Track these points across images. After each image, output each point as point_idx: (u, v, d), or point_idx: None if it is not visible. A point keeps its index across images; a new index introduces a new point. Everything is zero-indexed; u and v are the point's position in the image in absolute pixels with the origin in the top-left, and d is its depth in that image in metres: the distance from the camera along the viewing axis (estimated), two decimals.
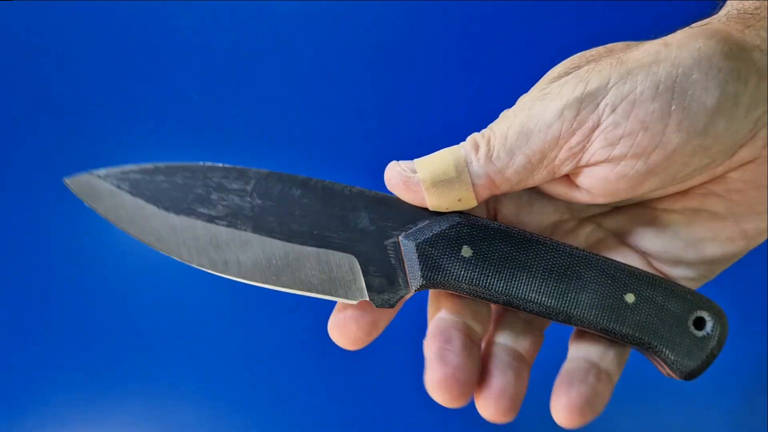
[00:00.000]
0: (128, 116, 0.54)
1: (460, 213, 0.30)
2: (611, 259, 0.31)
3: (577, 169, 0.29)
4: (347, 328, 0.31)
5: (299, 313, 0.51)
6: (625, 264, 0.31)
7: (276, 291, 0.40)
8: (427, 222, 0.31)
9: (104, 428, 0.50)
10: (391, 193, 0.31)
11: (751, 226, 0.31)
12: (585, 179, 0.29)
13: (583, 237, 0.34)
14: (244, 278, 0.30)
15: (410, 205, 0.31)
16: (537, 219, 0.33)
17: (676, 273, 0.32)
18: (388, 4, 0.53)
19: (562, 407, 0.28)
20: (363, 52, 0.54)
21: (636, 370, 0.47)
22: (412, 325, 0.45)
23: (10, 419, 0.51)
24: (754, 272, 0.49)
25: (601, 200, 0.30)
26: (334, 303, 0.45)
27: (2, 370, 0.52)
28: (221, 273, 0.31)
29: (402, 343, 0.49)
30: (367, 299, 0.30)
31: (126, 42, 0.55)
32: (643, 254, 0.33)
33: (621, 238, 0.34)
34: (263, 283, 0.31)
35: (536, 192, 0.33)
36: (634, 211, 0.33)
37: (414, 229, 0.30)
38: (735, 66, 0.27)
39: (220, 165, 0.31)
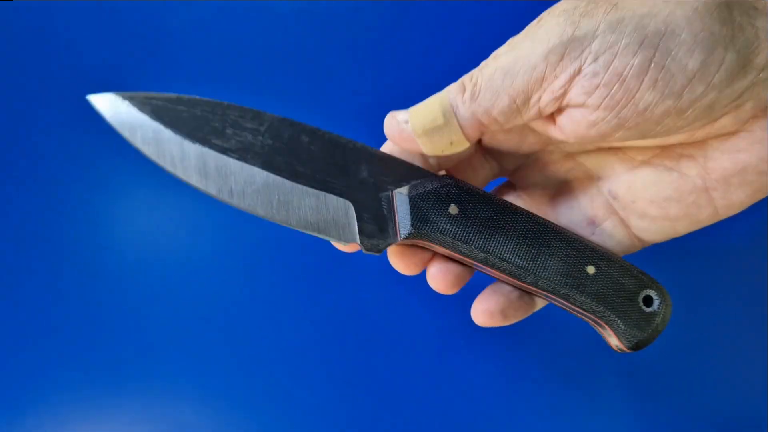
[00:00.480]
0: None
1: (450, 176, 0.34)
2: (577, 234, 0.34)
3: (559, 109, 0.30)
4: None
5: (302, 313, 0.52)
6: (588, 240, 0.34)
7: (278, 289, 0.41)
8: (420, 180, 0.34)
9: (104, 428, 0.50)
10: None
11: (720, 197, 0.31)
12: (562, 118, 0.30)
13: (563, 170, 0.36)
14: (247, 208, 0.33)
15: (407, 164, 0.34)
16: (526, 144, 0.35)
17: (641, 225, 0.35)
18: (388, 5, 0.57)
19: (481, 309, 0.34)
20: (360, 48, 0.56)
21: (635, 369, 0.50)
22: (414, 322, 0.47)
23: (10, 419, 0.50)
24: (754, 271, 0.52)
25: (572, 140, 0.31)
26: (338, 304, 0.48)
27: (2, 369, 0.51)
28: (226, 200, 0.33)
29: (405, 343, 0.51)
30: (358, 242, 0.33)
31: (127, 44, 0.56)
32: (612, 199, 0.35)
33: (595, 181, 0.36)
34: (264, 214, 0.33)
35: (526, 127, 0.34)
36: (614, 157, 0.35)
37: (407, 185, 0.34)
38: (729, 32, 0.26)
39: (239, 105, 0.34)
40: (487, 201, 0.34)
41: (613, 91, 0.28)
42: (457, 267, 0.35)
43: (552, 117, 0.31)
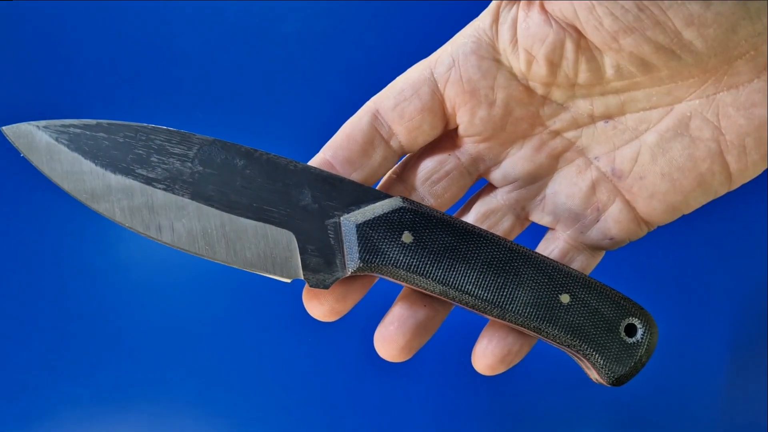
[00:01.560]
0: None
1: (403, 198, 0.30)
2: (550, 258, 0.31)
3: None
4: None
5: (307, 327, 0.51)
6: (563, 265, 0.31)
7: (284, 305, 0.39)
8: (370, 205, 0.30)
9: None
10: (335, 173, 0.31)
11: (735, 161, 0.29)
12: (566, 5, 0.27)
13: (555, 154, 0.33)
14: (177, 245, 0.30)
15: (356, 186, 0.30)
16: (511, 122, 0.32)
17: (651, 205, 0.31)
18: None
19: (482, 365, 0.32)
20: (373, 64, 0.55)
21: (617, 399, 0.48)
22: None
23: None
24: (753, 273, 0.49)
25: (567, 41, 0.28)
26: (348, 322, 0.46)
27: (8, 385, 0.52)
28: (154, 238, 0.30)
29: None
30: (302, 278, 0.30)
31: (132, 57, 0.55)
32: (617, 180, 0.32)
33: (593, 161, 0.32)
34: (197, 252, 0.30)
35: (512, 98, 0.31)
36: (612, 130, 0.31)
37: (356, 210, 0.30)
38: None
39: (164, 128, 0.30)
40: (445, 225, 0.30)
41: None
42: (405, 331, 0.31)
43: (542, 9, 0.28)
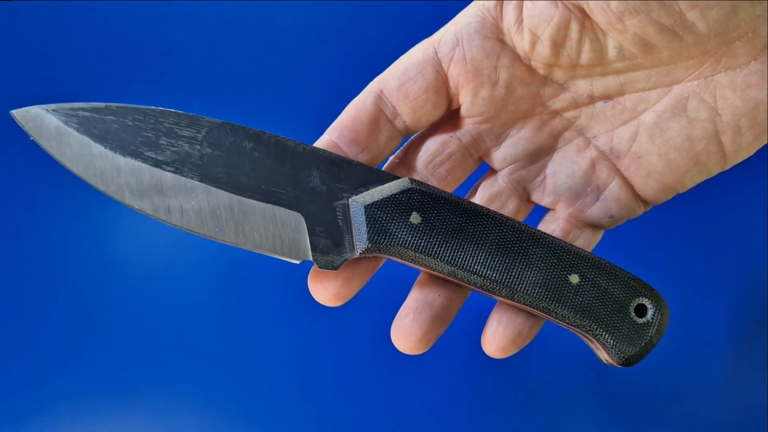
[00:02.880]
0: None
1: (411, 179, 0.30)
2: (559, 239, 0.30)
3: None
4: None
5: (308, 325, 0.51)
6: (571, 245, 0.30)
7: (284, 299, 0.39)
8: (378, 186, 0.30)
9: None
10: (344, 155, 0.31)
11: (730, 141, 0.30)
12: None
13: (555, 134, 0.33)
14: (186, 227, 0.30)
15: (364, 167, 0.30)
16: (512, 101, 0.32)
17: (648, 184, 0.31)
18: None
19: (493, 348, 0.31)
20: (373, 45, 0.55)
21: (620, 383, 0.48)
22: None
23: (13, 428, 0.51)
24: (754, 270, 0.49)
25: (573, 22, 0.28)
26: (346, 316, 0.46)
27: (4, 380, 0.52)
28: (163, 219, 0.30)
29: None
30: (311, 259, 0.30)
31: (131, 61, 0.55)
32: (615, 158, 0.32)
33: (592, 140, 0.32)
34: (205, 234, 0.30)
35: (514, 78, 0.31)
36: (611, 110, 0.31)
37: (364, 192, 0.30)
38: None
39: (173, 111, 0.30)
40: (453, 206, 0.30)
41: None
42: (422, 322, 0.31)
43: None
